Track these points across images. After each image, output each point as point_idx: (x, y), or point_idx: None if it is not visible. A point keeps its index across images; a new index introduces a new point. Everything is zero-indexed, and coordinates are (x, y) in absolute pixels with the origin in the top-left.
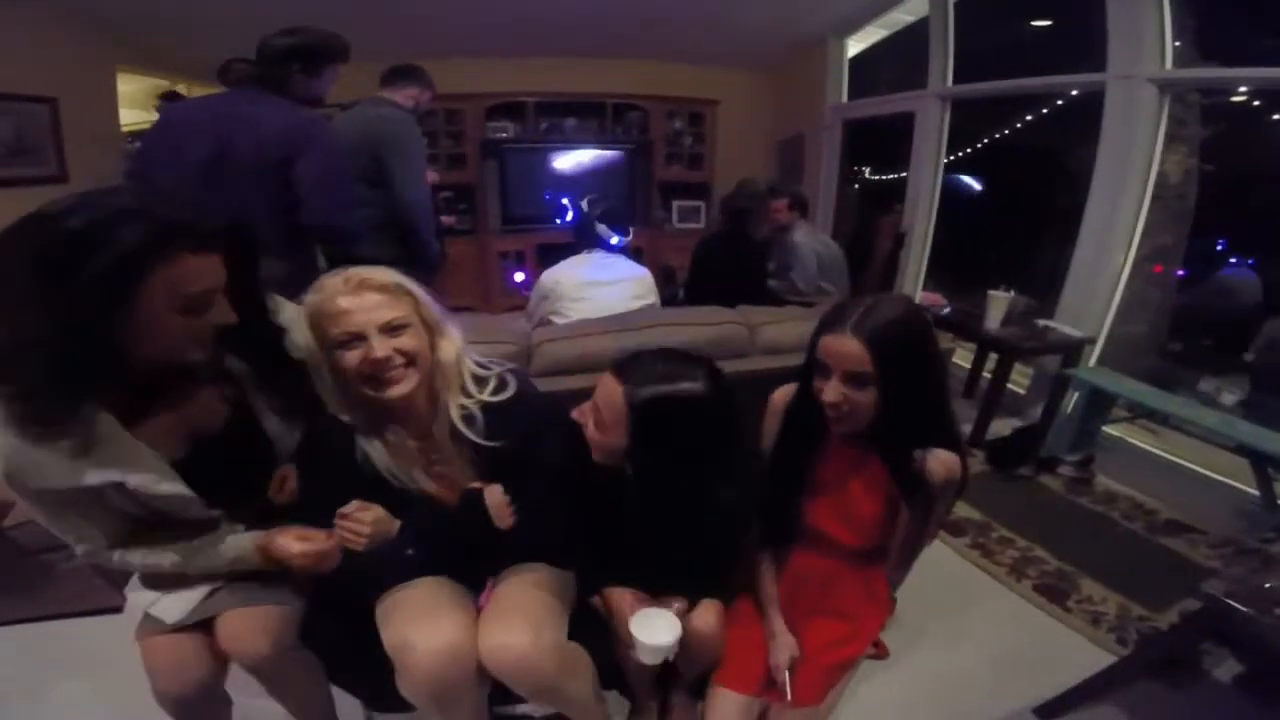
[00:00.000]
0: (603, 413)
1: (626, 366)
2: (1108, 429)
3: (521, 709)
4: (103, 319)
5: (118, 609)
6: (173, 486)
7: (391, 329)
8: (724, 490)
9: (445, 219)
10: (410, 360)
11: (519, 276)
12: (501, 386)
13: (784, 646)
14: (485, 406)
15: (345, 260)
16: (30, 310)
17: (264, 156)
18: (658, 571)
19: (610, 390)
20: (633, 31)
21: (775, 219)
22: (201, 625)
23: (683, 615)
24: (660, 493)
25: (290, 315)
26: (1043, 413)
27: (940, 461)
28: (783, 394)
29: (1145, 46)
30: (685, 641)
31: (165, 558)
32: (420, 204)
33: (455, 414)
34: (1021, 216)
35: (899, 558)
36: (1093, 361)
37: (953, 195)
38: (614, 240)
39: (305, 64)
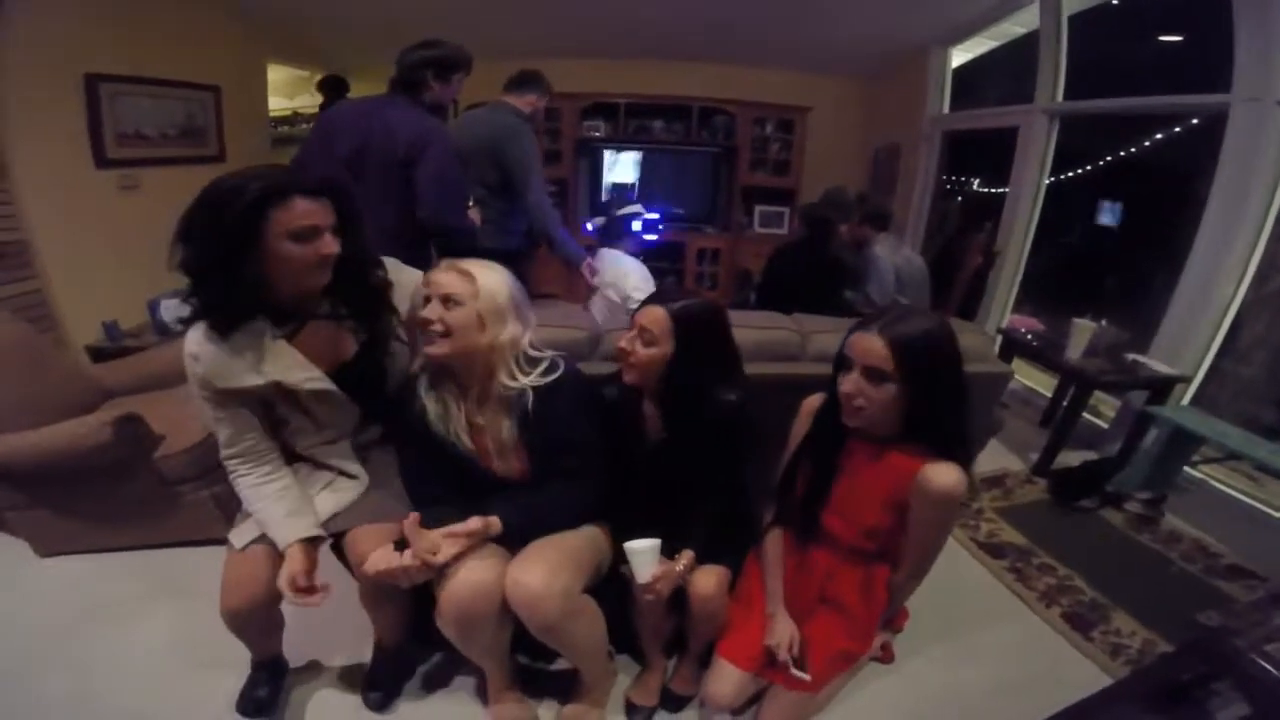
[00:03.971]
0: (652, 330)
1: (658, 295)
2: (1194, 471)
3: (557, 665)
4: (243, 246)
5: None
6: (316, 382)
7: (448, 301)
8: (726, 394)
9: None
10: (446, 331)
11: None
12: (552, 369)
13: (783, 628)
14: (535, 388)
15: (470, 252)
16: (204, 245)
17: (392, 157)
18: (672, 528)
19: (655, 313)
20: (729, 37)
21: (849, 239)
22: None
23: (690, 567)
24: (678, 417)
25: (402, 277)
26: (1120, 448)
27: (944, 470)
28: (813, 401)
29: (1277, 68)
30: (689, 604)
31: (263, 494)
32: (540, 206)
33: (500, 387)
34: (1138, 244)
35: (908, 566)
36: (1186, 400)
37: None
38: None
39: (438, 72)
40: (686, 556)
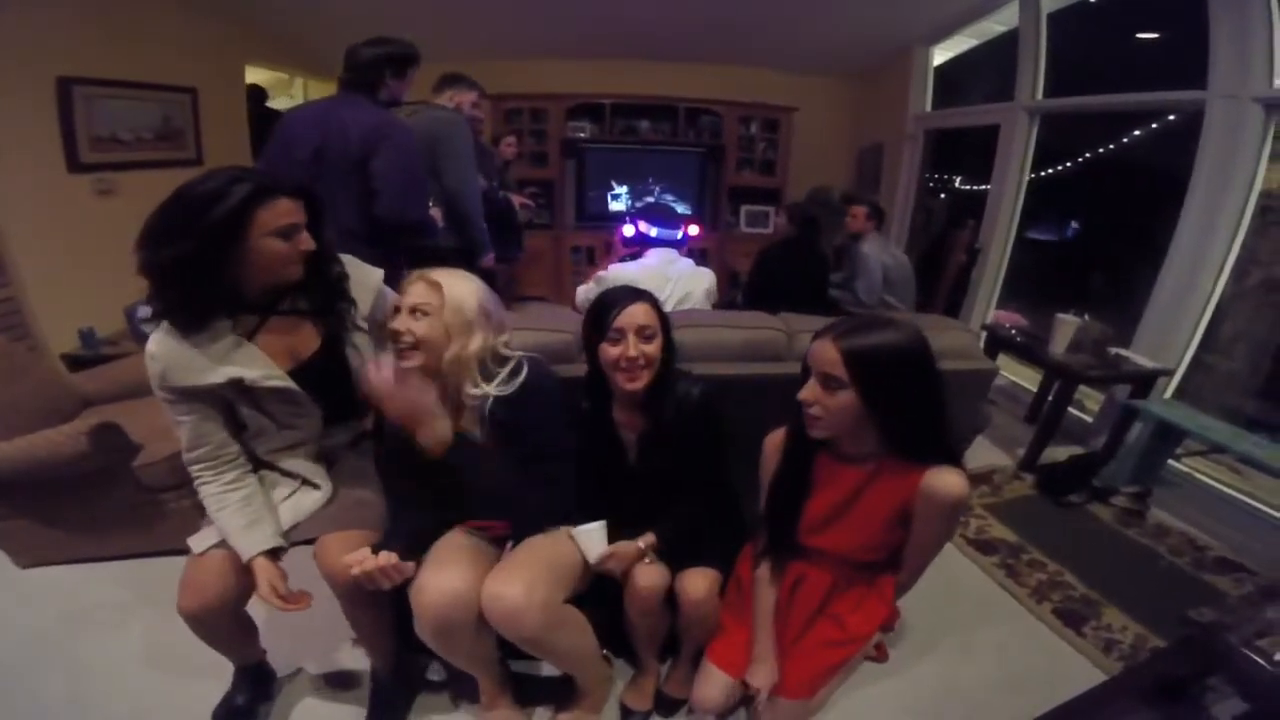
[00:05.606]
0: (651, 325)
1: (628, 293)
2: (1179, 464)
3: (549, 671)
4: (226, 246)
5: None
6: (276, 380)
7: (415, 312)
8: (690, 387)
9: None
10: (416, 344)
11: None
12: (516, 372)
13: (764, 673)
14: (500, 397)
15: (416, 248)
16: (182, 244)
17: (350, 155)
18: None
19: (644, 309)
20: (714, 37)
21: (851, 225)
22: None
23: (650, 547)
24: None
25: (360, 273)
26: (1105, 442)
27: (948, 476)
28: (776, 436)
29: (1253, 64)
30: (681, 607)
31: (223, 503)
32: (469, 196)
33: (466, 398)
34: (1120, 240)
35: (910, 568)
36: (1169, 393)
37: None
38: (653, 232)
39: (395, 69)
40: (647, 538)
